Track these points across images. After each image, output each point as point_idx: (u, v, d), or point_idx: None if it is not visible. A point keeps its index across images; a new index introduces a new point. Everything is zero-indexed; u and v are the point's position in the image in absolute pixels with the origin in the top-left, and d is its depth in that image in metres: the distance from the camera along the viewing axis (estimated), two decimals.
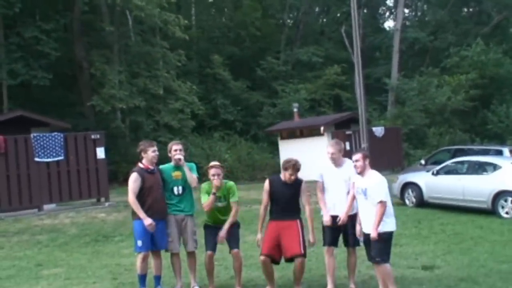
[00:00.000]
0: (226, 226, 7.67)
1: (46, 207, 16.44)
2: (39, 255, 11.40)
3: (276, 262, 7.50)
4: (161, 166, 7.95)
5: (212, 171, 7.63)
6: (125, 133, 27.50)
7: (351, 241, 7.60)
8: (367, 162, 7.17)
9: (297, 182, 7.52)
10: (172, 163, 7.91)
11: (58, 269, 9.92)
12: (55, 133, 16.64)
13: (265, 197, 7.58)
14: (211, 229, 7.78)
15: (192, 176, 7.79)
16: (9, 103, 25.07)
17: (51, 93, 28.20)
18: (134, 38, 28.92)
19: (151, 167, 7.52)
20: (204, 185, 7.79)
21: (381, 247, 6.95)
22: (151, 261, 7.64)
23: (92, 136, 17.11)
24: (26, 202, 16.00)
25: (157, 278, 7.59)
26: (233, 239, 7.74)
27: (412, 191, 16.59)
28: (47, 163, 16.23)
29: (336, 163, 7.62)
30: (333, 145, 7.64)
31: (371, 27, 43.30)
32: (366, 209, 7.08)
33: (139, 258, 7.42)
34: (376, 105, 37.02)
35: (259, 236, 7.55)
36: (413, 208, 16.12)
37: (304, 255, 7.37)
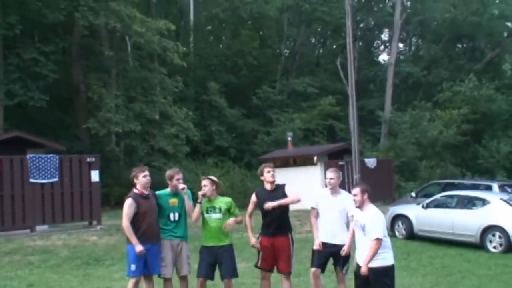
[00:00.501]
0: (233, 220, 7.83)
1: (39, 228, 16.49)
2: (30, 276, 11.51)
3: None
4: (157, 192, 8.09)
5: (203, 182, 7.97)
6: (119, 156, 27.62)
7: (342, 264, 7.80)
8: (365, 196, 7.28)
9: (281, 187, 7.86)
10: (168, 190, 8.07)
11: None
12: (51, 155, 16.78)
13: (250, 207, 8.00)
14: (207, 252, 7.85)
15: (191, 208, 7.96)
16: (5, 123, 25.17)
17: (48, 114, 28.32)
18: (132, 63, 29.21)
19: (145, 192, 7.69)
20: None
21: (383, 282, 7.03)
22: (143, 285, 7.74)
23: (88, 159, 17.24)
24: (19, 223, 16.07)
25: None
26: (227, 266, 7.81)
27: (402, 223, 16.77)
28: (42, 184, 16.34)
29: (334, 190, 7.86)
30: (333, 171, 7.95)
31: (366, 60, 43.83)
32: (364, 244, 7.19)
33: (131, 282, 7.55)
34: (369, 136, 37.32)
35: (253, 240, 7.81)
36: (403, 240, 16.29)
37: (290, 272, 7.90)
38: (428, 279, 10.85)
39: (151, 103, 27.86)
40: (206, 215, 7.89)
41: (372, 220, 7.10)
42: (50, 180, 16.46)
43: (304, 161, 25.30)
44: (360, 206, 7.29)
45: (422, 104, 35.94)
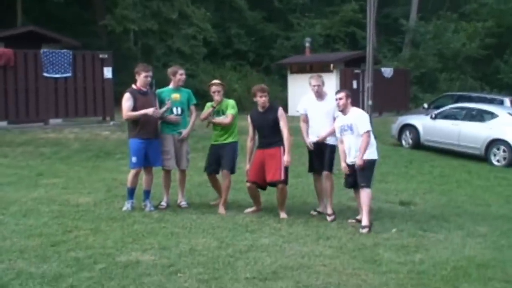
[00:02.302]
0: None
1: (52, 121, 16.92)
2: (41, 166, 11.94)
3: (262, 188, 8.11)
4: (159, 90, 8.40)
5: (212, 88, 8.25)
6: (137, 55, 27.61)
7: (327, 165, 8.04)
8: (349, 100, 7.69)
9: (273, 109, 8.02)
10: (171, 86, 8.31)
11: (57, 179, 10.45)
12: (65, 50, 16.95)
13: (249, 130, 8.17)
14: (213, 149, 8.36)
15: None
16: (23, 18, 25.19)
17: (67, 10, 28.20)
18: None
19: (143, 88, 7.89)
20: (208, 103, 8.43)
21: (365, 174, 7.56)
22: (143, 177, 8.09)
23: (100, 56, 17.37)
24: (33, 116, 16.48)
25: (147, 193, 8.07)
26: (226, 159, 8.22)
27: (409, 133, 16.91)
28: (55, 79, 16.60)
29: (319, 96, 8.00)
30: (316, 78, 8.09)
31: None
32: (352, 143, 7.60)
33: (131, 173, 7.92)
34: (392, 45, 36.73)
35: (248, 166, 8.08)
36: (409, 149, 16.48)
37: (284, 182, 7.88)
38: (423, 186, 11.08)
39: (168, 1, 27.46)
40: (213, 118, 8.32)
41: (359, 117, 7.63)
42: (64, 75, 16.70)
43: (321, 67, 25.13)
44: (343, 109, 7.67)
45: (448, 14, 35.12)
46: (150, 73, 7.94)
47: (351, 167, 7.69)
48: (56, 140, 15.01)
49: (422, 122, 16.65)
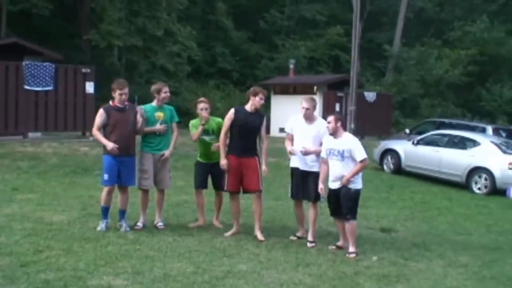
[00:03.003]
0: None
1: (32, 135, 16.66)
2: (17, 180, 11.66)
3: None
4: (143, 106, 8.19)
5: (200, 106, 8.21)
6: (120, 71, 27.51)
7: (312, 197, 7.86)
8: (339, 124, 7.50)
9: (260, 115, 7.98)
10: (154, 103, 8.15)
11: (32, 195, 10.20)
12: (47, 63, 16.75)
13: (227, 123, 7.87)
14: (201, 166, 8.37)
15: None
16: (8, 30, 24.96)
17: (51, 23, 28.07)
18: None
19: (119, 105, 7.70)
20: (193, 121, 8.38)
21: (352, 205, 7.45)
22: (118, 195, 7.89)
23: (83, 70, 17.22)
24: (12, 128, 16.23)
25: (122, 212, 7.84)
26: (219, 180, 8.17)
27: (391, 158, 16.86)
28: (36, 92, 16.37)
29: (309, 119, 7.85)
30: (308, 100, 7.87)
31: None
32: (339, 169, 7.41)
33: (104, 191, 7.70)
34: (375, 70, 37.03)
35: (224, 161, 7.80)
36: (390, 174, 16.43)
37: (261, 190, 7.98)
38: (404, 212, 10.99)
39: (154, 18, 27.43)
40: (201, 136, 8.26)
41: (354, 144, 7.44)
42: (45, 88, 16.50)
43: (304, 89, 25.14)
44: (333, 133, 7.49)
45: (432, 41, 35.49)
46: (125, 91, 7.70)
47: (333, 192, 7.55)
48: (34, 154, 14.73)
49: (404, 147, 16.63)
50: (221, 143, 7.91)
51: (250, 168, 7.82)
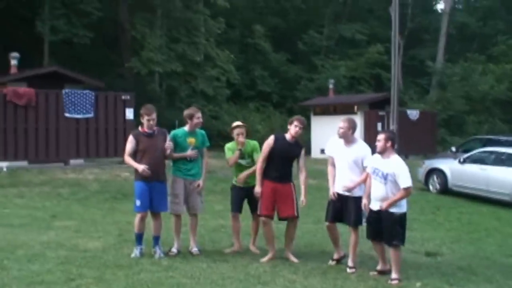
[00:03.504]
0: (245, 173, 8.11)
1: (73, 162, 16.81)
2: (56, 207, 11.74)
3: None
4: (174, 131, 8.11)
5: (236, 131, 8.13)
6: (161, 96, 27.74)
7: (353, 222, 7.57)
8: (388, 144, 7.13)
9: (299, 145, 7.85)
10: (186, 128, 8.04)
11: (71, 221, 10.22)
12: (87, 90, 16.94)
13: (266, 150, 7.79)
14: (238, 191, 8.23)
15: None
16: (50, 59, 25.47)
17: (93, 52, 28.59)
18: (177, 3, 28.87)
19: (148, 130, 7.62)
20: (228, 145, 8.30)
21: (399, 230, 7.06)
22: (150, 221, 7.77)
23: (123, 97, 17.34)
24: (53, 156, 16.38)
25: (156, 238, 7.71)
26: (256, 202, 8.01)
27: (437, 178, 16.38)
28: (77, 119, 16.54)
29: (346, 140, 7.58)
30: (344, 120, 7.60)
31: (421, 8, 42.28)
32: (380, 192, 7.08)
33: (137, 217, 7.60)
34: (418, 87, 36.45)
35: (259, 189, 7.73)
36: (436, 194, 15.94)
37: (297, 217, 7.86)
38: (450, 235, 10.56)
39: (193, 44, 27.65)
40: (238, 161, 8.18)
41: (401, 169, 7.01)
42: (85, 116, 16.65)
43: (345, 109, 24.85)
44: (381, 152, 7.14)
45: (475, 56, 34.77)
46: (153, 116, 7.61)
47: (374, 214, 7.24)
48: (75, 180, 14.84)
49: (450, 166, 16.13)
50: (258, 170, 7.80)
51: (285, 194, 7.70)
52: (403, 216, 7.11)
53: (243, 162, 8.14)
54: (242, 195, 8.22)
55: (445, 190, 16.04)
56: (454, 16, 37.72)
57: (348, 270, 7.44)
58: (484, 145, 18.73)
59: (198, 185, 7.96)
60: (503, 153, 15.32)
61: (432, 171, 16.69)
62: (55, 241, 8.40)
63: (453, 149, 20.98)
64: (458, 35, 39.91)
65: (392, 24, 18.94)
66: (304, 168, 7.83)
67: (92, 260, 7.28)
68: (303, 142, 22.77)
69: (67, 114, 16.40)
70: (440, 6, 46.43)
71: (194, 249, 7.94)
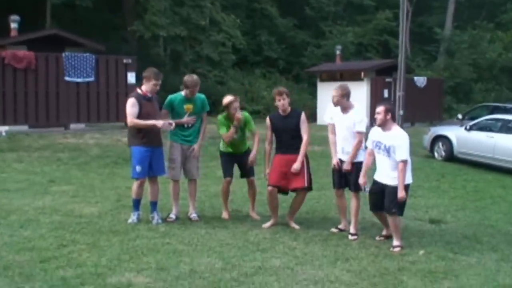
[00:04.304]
0: (254, 152, 7.95)
1: (73, 126, 16.62)
2: (55, 172, 11.57)
3: (284, 192, 7.76)
4: (171, 96, 7.85)
5: (234, 105, 7.78)
6: (165, 61, 27.40)
7: (353, 187, 7.42)
8: (388, 116, 6.94)
9: (296, 114, 7.64)
10: (182, 93, 7.77)
11: (69, 186, 10.07)
12: (87, 54, 16.65)
13: (268, 133, 7.73)
14: (228, 157, 8.05)
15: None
16: (52, 22, 25.13)
17: (95, 15, 28.17)
18: None
19: (149, 94, 7.37)
20: (220, 118, 7.94)
21: (396, 199, 6.83)
22: (148, 187, 7.58)
23: (124, 61, 17.07)
24: (53, 120, 16.20)
25: (153, 204, 7.54)
26: (250, 166, 8.04)
27: (442, 145, 16.08)
28: (77, 83, 16.30)
29: (342, 107, 7.38)
30: (336, 89, 7.45)
31: None
32: (385, 165, 6.93)
33: (135, 183, 7.39)
34: (426, 54, 35.89)
35: (267, 170, 7.68)
36: (441, 161, 15.66)
37: (309, 188, 7.68)
38: (455, 202, 10.32)
39: (198, 8, 27.12)
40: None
41: (400, 142, 6.81)
42: (86, 80, 16.42)
43: (351, 76, 24.50)
44: (382, 125, 6.95)
45: (484, 24, 34.19)
46: (160, 82, 7.41)
47: (378, 185, 7.04)
48: (76, 145, 14.66)
49: (456, 133, 15.82)
50: (267, 153, 7.72)
51: (293, 163, 7.47)
52: (406, 188, 6.89)
53: (235, 136, 7.86)
54: (232, 161, 8.05)
55: (451, 157, 15.75)
56: None
57: (350, 237, 7.28)
58: (491, 113, 18.44)
59: (193, 149, 7.75)
60: (510, 121, 15.00)
61: (438, 138, 16.39)
62: (50, 206, 8.25)
63: (460, 116, 20.66)
64: (466, 2, 39.11)
65: None
66: (305, 134, 7.56)
67: (87, 226, 7.13)
68: (308, 109, 22.44)
69: (67, 78, 16.17)
70: None
71: (193, 215, 7.78)
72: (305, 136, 7.54)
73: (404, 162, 6.75)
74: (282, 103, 7.49)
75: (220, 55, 28.37)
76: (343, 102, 7.35)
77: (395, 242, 6.92)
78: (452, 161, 15.61)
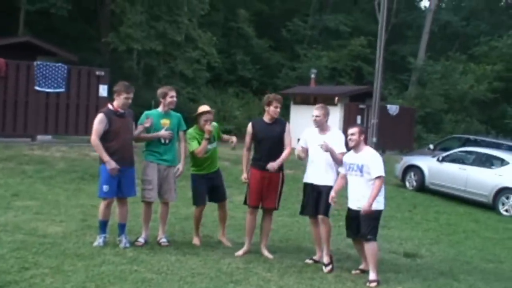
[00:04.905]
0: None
1: (40, 138, 16.10)
2: (19, 185, 11.11)
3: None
4: (147, 112, 7.59)
5: (205, 117, 7.48)
6: (138, 75, 27.00)
7: (322, 210, 7.17)
8: (362, 137, 6.98)
9: (281, 122, 7.43)
10: (159, 109, 7.52)
11: (33, 202, 9.66)
12: (59, 64, 16.21)
13: (247, 139, 7.46)
14: (202, 179, 7.63)
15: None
16: (26, 30, 24.57)
17: (70, 25, 27.68)
18: None
19: (120, 110, 7.06)
20: (191, 131, 7.62)
21: (371, 223, 6.82)
22: (116, 209, 7.23)
23: (97, 73, 16.60)
24: (20, 130, 15.64)
25: (122, 226, 7.19)
26: (222, 189, 7.82)
27: (414, 175, 16.09)
28: (47, 93, 15.83)
29: (321, 128, 7.22)
30: (319, 108, 7.33)
31: (405, 3, 41.93)
32: (358, 186, 6.85)
33: (102, 203, 7.02)
34: (397, 83, 36.14)
35: (244, 175, 7.36)
36: (412, 191, 15.65)
37: (276, 209, 7.53)
38: (429, 235, 10.23)
39: (175, 23, 26.84)
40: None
41: (374, 159, 6.83)
42: (56, 90, 15.93)
43: (325, 100, 24.22)
44: (355, 146, 6.94)
45: (457, 55, 34.61)
46: (132, 95, 7.08)
47: (352, 213, 6.90)
48: (41, 158, 14.14)
49: (428, 164, 15.85)
50: (244, 159, 7.42)
51: (271, 183, 7.27)
52: (379, 212, 6.89)
53: (209, 147, 7.51)
54: (205, 184, 7.64)
55: (422, 187, 15.78)
56: (438, 14, 37.47)
57: (325, 269, 7.08)
58: (463, 145, 18.52)
59: (179, 170, 7.48)
60: (483, 154, 15.08)
61: (410, 168, 16.41)
62: (13, 222, 7.85)
63: (431, 146, 20.75)
64: (440, 33, 39.74)
65: (380, 17, 18.52)
66: (288, 145, 7.32)
67: (50, 247, 6.75)
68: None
69: (37, 88, 15.67)
70: (424, 3, 46.36)
71: (163, 240, 7.45)
72: (289, 147, 7.31)
73: (380, 178, 6.70)
74: (278, 111, 7.27)
75: (194, 72, 28.09)
76: (324, 122, 7.22)
77: (372, 276, 6.74)
78: (423, 191, 15.63)
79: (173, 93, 7.52)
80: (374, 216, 6.81)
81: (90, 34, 29.18)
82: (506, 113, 32.80)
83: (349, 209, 7.01)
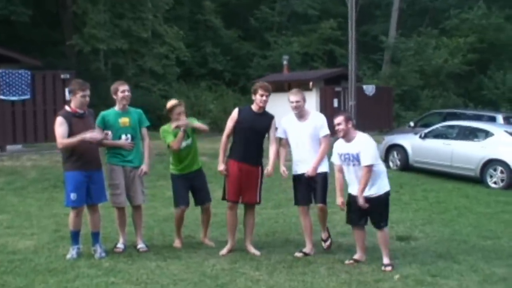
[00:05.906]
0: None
1: (10, 148, 15.46)
2: None
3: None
4: (103, 112, 7.03)
5: (177, 110, 6.98)
6: (107, 76, 26.30)
7: (319, 198, 6.85)
8: (350, 125, 6.56)
9: (269, 115, 6.96)
10: (116, 108, 6.97)
11: (3, 215, 9.19)
12: (22, 70, 15.54)
13: (229, 124, 6.95)
14: (182, 179, 7.17)
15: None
16: None
17: (33, 31, 26.90)
18: None
19: (79, 110, 6.53)
20: (165, 127, 7.14)
21: (384, 210, 6.70)
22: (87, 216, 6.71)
23: (62, 76, 15.92)
24: None
25: (95, 235, 6.67)
26: (205, 191, 7.33)
27: (397, 154, 15.73)
28: (12, 101, 15.17)
29: (300, 114, 6.77)
30: (295, 93, 6.90)
31: None
32: (358, 173, 6.51)
33: (72, 213, 6.50)
34: (371, 63, 35.85)
35: (222, 167, 6.89)
36: (397, 171, 15.26)
37: (258, 203, 7.12)
38: (420, 215, 9.84)
39: (139, 20, 26.16)
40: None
41: (366, 147, 6.47)
42: (22, 97, 15.27)
43: (299, 86, 23.74)
44: (345, 135, 6.54)
45: (428, 31, 34.37)
46: (88, 92, 6.54)
47: (354, 199, 6.56)
48: (12, 168, 13.54)
49: (411, 142, 15.48)
50: (222, 147, 6.92)
51: (251, 177, 6.83)
52: (387, 195, 6.69)
53: (183, 143, 7.04)
54: (186, 185, 7.18)
55: (406, 166, 15.41)
56: None
57: (324, 244, 7.12)
58: (444, 119, 18.19)
59: (142, 171, 6.94)
60: (467, 127, 14.75)
61: (392, 147, 16.04)
62: None
63: (411, 124, 20.46)
64: (410, 9, 39.40)
65: None
66: (274, 141, 6.92)
67: (20, 265, 6.23)
68: None
69: (2, 97, 15.00)
70: None
71: (141, 245, 6.95)
72: (274, 145, 6.91)
73: (368, 167, 6.35)
74: (265, 100, 6.80)
75: (164, 68, 27.52)
76: (304, 107, 6.78)
77: (385, 260, 6.54)
78: (408, 170, 15.26)
79: (124, 87, 6.96)
80: (383, 201, 6.62)
81: (54, 38, 28.38)
82: (482, 84, 32.66)
83: (350, 195, 6.67)
